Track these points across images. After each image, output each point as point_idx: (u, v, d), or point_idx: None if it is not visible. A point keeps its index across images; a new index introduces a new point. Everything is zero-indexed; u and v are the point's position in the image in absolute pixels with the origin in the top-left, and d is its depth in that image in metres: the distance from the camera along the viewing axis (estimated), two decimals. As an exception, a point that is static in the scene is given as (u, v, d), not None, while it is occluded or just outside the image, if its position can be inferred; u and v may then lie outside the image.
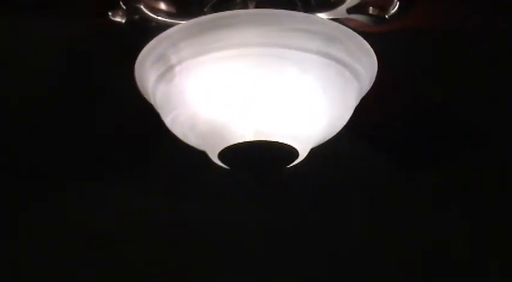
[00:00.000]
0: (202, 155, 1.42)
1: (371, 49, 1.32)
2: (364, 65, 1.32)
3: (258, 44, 1.22)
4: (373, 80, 1.39)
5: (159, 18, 1.37)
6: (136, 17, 1.37)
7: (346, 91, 1.31)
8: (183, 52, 1.25)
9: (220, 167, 1.40)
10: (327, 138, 1.39)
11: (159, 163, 1.97)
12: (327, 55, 1.25)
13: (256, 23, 1.21)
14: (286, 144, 1.31)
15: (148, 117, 1.45)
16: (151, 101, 1.40)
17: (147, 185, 2.17)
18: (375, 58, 1.34)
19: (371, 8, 1.38)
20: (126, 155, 1.88)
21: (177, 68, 1.27)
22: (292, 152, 1.33)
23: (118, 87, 1.51)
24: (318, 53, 1.24)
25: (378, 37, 1.40)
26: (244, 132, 1.30)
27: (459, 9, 1.39)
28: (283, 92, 1.26)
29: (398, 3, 1.37)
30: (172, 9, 1.37)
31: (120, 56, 1.40)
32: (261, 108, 1.27)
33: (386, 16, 1.39)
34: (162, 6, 1.36)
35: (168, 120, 1.37)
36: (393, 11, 1.38)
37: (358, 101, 1.39)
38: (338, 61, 1.27)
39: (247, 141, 1.31)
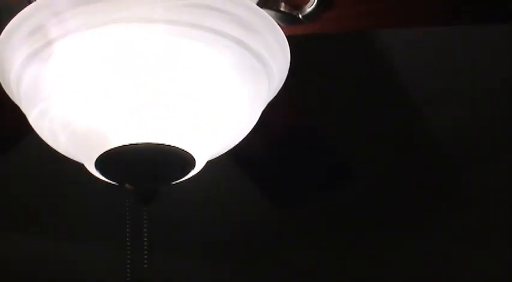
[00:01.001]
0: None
1: (288, 48, 1.13)
2: (278, 65, 1.13)
3: (165, 20, 1.00)
4: (280, 86, 1.20)
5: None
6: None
7: (256, 89, 1.11)
8: (69, 23, 1.00)
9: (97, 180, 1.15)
10: (228, 148, 1.18)
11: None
12: (242, 44, 1.05)
13: None
14: (181, 149, 1.08)
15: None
16: (13, 91, 1.12)
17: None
18: (289, 60, 1.16)
19: (283, 4, 1.21)
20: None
21: (58, 44, 1.01)
22: (188, 161, 1.11)
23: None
24: (233, 39, 1.04)
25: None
26: (131, 132, 1.06)
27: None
28: (184, 83, 1.04)
29: (315, 2, 1.20)
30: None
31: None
32: (154, 103, 1.04)
33: (300, 16, 1.22)
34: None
35: (34, 115, 1.10)
36: (308, 11, 1.21)
37: (265, 106, 1.19)
38: (253, 53, 1.07)
39: (133, 144, 1.07)
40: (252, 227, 2.14)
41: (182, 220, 2.10)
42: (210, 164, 1.19)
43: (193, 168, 1.12)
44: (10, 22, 1.04)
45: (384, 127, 2.00)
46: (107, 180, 1.14)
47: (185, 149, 1.08)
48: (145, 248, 1.20)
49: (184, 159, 1.09)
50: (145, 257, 1.21)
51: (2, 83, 1.14)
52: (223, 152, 1.20)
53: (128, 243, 1.21)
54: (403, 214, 2.32)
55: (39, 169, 2.00)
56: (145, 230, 1.18)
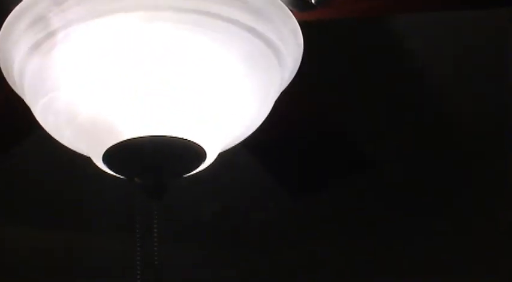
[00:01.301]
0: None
1: (301, 35, 1.09)
2: (291, 53, 1.09)
3: (172, 7, 0.96)
4: (294, 75, 1.15)
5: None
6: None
7: (268, 79, 1.07)
8: (70, 13, 0.96)
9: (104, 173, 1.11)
10: (239, 139, 1.13)
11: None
12: (252, 31, 1.00)
13: None
14: (192, 142, 1.04)
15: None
16: (16, 84, 1.08)
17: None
18: (302, 48, 1.11)
19: (295, -12, 1.16)
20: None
21: (60, 34, 0.97)
22: (199, 154, 1.06)
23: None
24: (243, 26, 0.99)
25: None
26: (139, 124, 1.02)
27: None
28: (193, 72, 0.99)
29: (329, -15, 1.15)
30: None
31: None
32: (162, 93, 1.00)
33: (313, 1, 1.17)
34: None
35: (38, 108, 1.06)
36: (321, -5, 1.16)
37: (277, 95, 1.15)
38: (264, 41, 1.02)
39: (142, 137, 1.03)
40: (266, 218, 2.10)
41: (192, 211, 2.06)
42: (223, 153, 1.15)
43: (204, 161, 1.08)
44: (11, 12, 1.00)
45: (397, 114, 1.95)
46: (114, 174, 1.10)
47: (195, 141, 1.04)
48: (155, 243, 1.16)
49: (195, 152, 1.05)
50: (155, 250, 1.17)
51: (6, 77, 1.10)
52: (237, 143, 1.16)
53: (138, 237, 1.17)
54: (417, 203, 2.28)
55: (42, 163, 1.97)
56: (155, 225, 1.15)
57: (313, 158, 1.67)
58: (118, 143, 1.04)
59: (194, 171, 1.11)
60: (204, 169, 1.13)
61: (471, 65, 1.86)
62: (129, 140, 1.03)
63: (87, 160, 1.13)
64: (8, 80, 1.10)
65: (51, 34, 0.98)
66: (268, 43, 1.03)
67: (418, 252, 2.38)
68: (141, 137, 1.03)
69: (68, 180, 2.02)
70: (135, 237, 1.20)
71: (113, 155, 1.05)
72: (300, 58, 1.12)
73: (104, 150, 1.05)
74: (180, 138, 1.03)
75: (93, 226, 2.13)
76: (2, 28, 1.02)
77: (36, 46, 1.00)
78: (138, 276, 1.15)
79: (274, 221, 2.10)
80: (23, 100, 1.10)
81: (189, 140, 1.04)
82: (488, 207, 2.32)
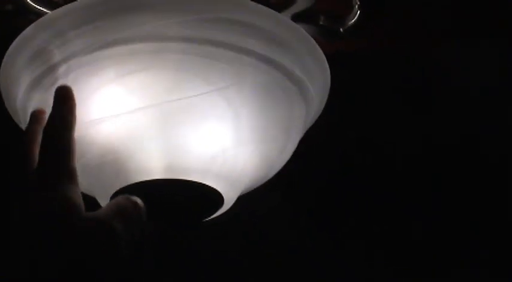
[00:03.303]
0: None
1: (327, 65, 1.00)
2: (317, 86, 0.99)
3: (181, 37, 0.87)
4: (322, 108, 1.06)
5: (43, 9, 1.01)
6: (9, 5, 1.01)
7: (290, 115, 0.97)
8: (73, 45, 0.88)
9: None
10: (261, 181, 1.04)
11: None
12: (271, 62, 0.91)
13: (179, 7, 0.87)
14: (207, 186, 0.95)
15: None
16: (20, 120, 1.02)
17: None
18: (329, 78, 1.02)
19: (322, 17, 1.07)
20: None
21: (62, 68, 0.89)
22: (216, 198, 0.97)
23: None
24: (260, 57, 0.90)
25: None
26: (149, 166, 0.93)
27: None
28: (206, 109, 0.90)
29: (358, 12, 1.06)
30: (61, -1, 1.01)
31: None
32: (174, 132, 0.91)
33: (341, 29, 1.08)
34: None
35: None
36: (350, 23, 1.07)
37: (303, 133, 1.05)
38: (285, 73, 0.93)
39: (151, 180, 0.93)
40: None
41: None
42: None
43: (221, 207, 0.99)
44: (11, 45, 0.93)
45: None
46: None
47: (211, 186, 0.95)
48: None
49: (211, 198, 0.96)
50: None
51: (10, 112, 1.03)
52: (259, 185, 1.06)
53: None
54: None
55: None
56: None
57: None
58: (127, 186, 0.95)
59: (210, 217, 1.01)
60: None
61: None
62: (138, 183, 0.94)
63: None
64: (13, 116, 1.03)
65: (51, 68, 0.90)
66: (290, 75, 0.94)
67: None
68: (152, 180, 0.94)
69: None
70: None
71: None
72: (327, 91, 1.03)
73: (112, 194, 0.97)
74: (195, 182, 0.93)
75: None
76: (3, 63, 0.96)
77: (36, 82, 0.92)
78: None
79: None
80: None
81: (205, 185, 0.94)
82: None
